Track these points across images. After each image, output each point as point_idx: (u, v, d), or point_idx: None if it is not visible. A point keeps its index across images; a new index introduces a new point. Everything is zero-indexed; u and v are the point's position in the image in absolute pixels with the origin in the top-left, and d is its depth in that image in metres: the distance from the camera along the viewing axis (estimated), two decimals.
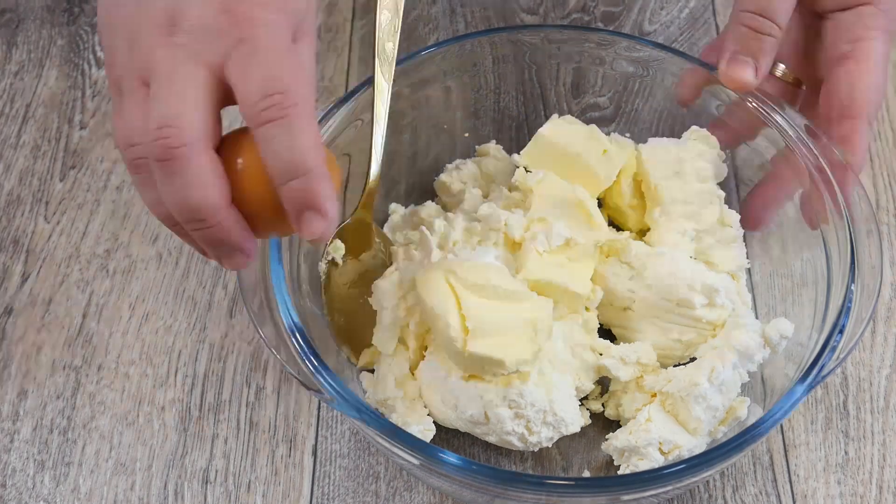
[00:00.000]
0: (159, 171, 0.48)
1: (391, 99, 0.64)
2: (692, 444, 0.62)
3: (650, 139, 0.72)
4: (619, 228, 0.73)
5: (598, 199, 0.71)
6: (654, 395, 0.64)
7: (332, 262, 0.68)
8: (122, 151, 0.49)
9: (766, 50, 0.64)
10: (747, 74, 0.64)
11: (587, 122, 0.71)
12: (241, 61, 0.48)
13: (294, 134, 0.47)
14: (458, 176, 0.75)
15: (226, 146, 0.50)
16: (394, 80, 0.65)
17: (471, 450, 0.67)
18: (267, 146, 0.48)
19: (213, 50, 0.48)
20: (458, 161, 0.76)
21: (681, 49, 0.84)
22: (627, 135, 0.74)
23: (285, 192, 0.48)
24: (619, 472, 0.62)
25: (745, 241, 0.71)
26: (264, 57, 0.48)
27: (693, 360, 0.66)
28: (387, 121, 0.66)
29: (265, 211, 0.50)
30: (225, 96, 0.49)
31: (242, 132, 0.51)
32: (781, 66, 0.69)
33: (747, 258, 0.70)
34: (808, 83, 0.70)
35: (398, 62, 0.65)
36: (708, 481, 0.66)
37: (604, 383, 0.67)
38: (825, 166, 0.63)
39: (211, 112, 0.49)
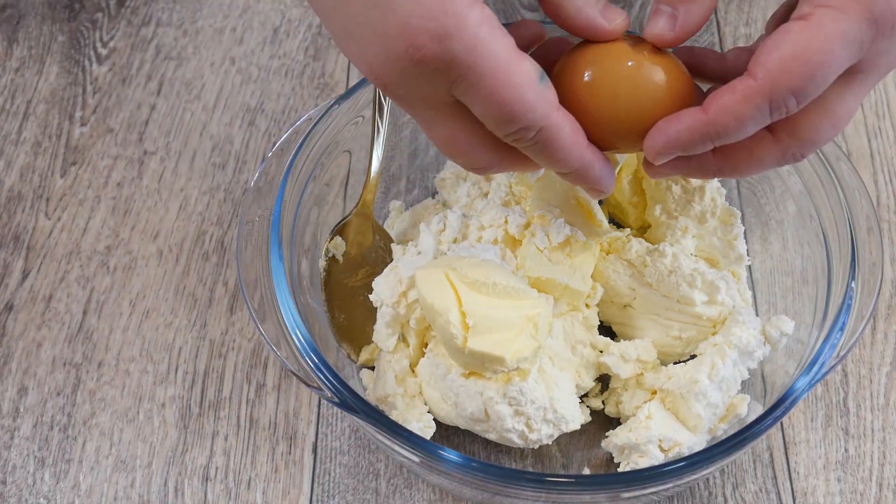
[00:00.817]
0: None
1: None
2: (692, 442, 0.62)
3: None
4: (619, 225, 0.73)
5: None
6: (655, 393, 0.64)
7: (333, 259, 0.68)
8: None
9: None
10: (660, 26, 0.52)
11: None
12: None
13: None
14: (458, 172, 0.75)
15: (568, 65, 0.51)
16: None
17: (471, 447, 0.67)
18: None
19: None
20: None
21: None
22: None
23: None
24: (619, 470, 0.62)
25: (745, 237, 0.71)
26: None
27: (693, 357, 0.66)
28: (388, 117, 0.66)
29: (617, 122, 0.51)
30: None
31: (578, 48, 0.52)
32: None
33: (748, 255, 0.70)
34: None
35: None
36: (708, 479, 0.66)
37: (604, 380, 0.67)
38: None
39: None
